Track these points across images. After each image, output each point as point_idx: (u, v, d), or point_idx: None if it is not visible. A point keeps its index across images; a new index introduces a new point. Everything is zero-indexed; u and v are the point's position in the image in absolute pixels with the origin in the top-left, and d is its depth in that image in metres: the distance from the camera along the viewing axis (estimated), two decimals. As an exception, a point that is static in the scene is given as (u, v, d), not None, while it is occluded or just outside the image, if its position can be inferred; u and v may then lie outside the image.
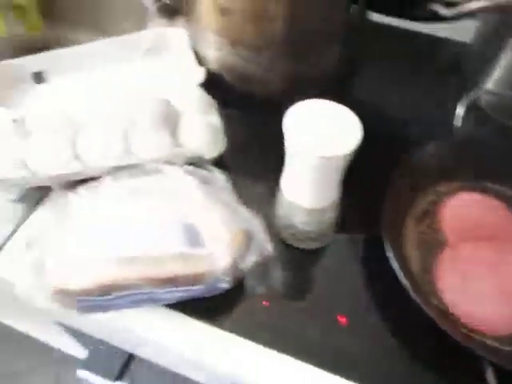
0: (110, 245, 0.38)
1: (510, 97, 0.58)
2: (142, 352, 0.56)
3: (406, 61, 0.67)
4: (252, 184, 0.50)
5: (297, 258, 0.46)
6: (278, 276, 0.43)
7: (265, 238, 0.41)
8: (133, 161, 0.47)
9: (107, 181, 0.44)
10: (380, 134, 0.47)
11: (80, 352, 0.68)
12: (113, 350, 0.54)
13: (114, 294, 0.37)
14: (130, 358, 0.55)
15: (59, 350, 1.13)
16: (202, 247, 0.40)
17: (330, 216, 0.44)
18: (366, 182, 0.48)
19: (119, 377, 0.53)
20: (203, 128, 0.50)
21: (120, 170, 0.46)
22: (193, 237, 0.40)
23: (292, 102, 0.39)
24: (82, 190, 0.43)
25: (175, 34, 0.63)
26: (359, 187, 0.46)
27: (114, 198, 0.42)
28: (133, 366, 0.58)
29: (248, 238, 0.41)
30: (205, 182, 0.44)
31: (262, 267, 0.42)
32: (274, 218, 0.47)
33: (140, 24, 0.77)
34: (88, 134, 0.47)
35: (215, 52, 0.56)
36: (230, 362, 0.41)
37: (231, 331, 0.41)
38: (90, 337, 0.54)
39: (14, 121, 0.46)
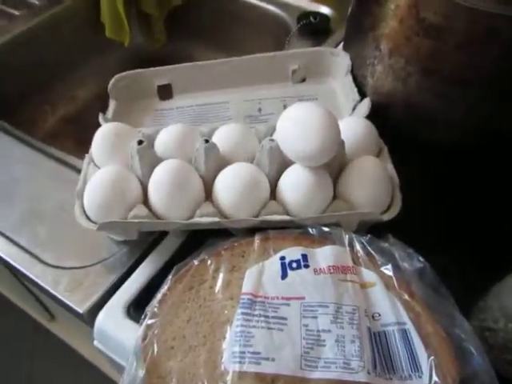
0: (258, 350, 0.25)
1: None
2: None
3: None
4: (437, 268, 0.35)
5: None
6: None
7: (491, 374, 0.26)
8: (276, 209, 0.35)
9: (256, 241, 0.31)
10: None
11: None
12: None
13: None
14: None
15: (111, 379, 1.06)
16: (396, 376, 0.25)
17: None
18: None
19: None
20: (378, 178, 0.36)
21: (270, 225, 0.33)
22: (383, 355, 0.26)
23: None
24: (222, 250, 0.31)
25: (331, 56, 0.51)
26: None
27: (267, 270, 0.29)
28: None
29: (463, 367, 0.26)
30: (392, 263, 0.30)
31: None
32: (480, 327, 0.31)
33: (277, 44, 0.67)
34: (231, 170, 0.36)
35: (393, 82, 0.43)
36: None
37: None
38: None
39: (140, 143, 0.36)
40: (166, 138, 0.39)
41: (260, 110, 0.51)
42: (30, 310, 1.18)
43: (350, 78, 0.49)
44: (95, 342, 0.36)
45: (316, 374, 0.24)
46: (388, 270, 0.29)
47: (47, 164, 0.48)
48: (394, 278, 0.28)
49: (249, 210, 0.35)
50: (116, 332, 0.34)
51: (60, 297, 0.36)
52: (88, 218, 0.36)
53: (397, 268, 0.29)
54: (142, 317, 0.29)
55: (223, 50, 0.74)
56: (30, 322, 1.18)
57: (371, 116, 0.44)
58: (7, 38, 0.65)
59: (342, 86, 0.51)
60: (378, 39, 0.44)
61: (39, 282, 0.37)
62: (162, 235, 0.39)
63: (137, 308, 0.35)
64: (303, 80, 0.53)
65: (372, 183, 0.36)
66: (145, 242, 0.39)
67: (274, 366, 0.24)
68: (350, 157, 0.38)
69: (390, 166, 0.39)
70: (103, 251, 0.39)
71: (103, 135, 0.39)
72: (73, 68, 0.75)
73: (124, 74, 0.51)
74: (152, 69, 0.52)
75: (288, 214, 0.35)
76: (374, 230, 0.37)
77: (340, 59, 0.51)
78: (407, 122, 0.44)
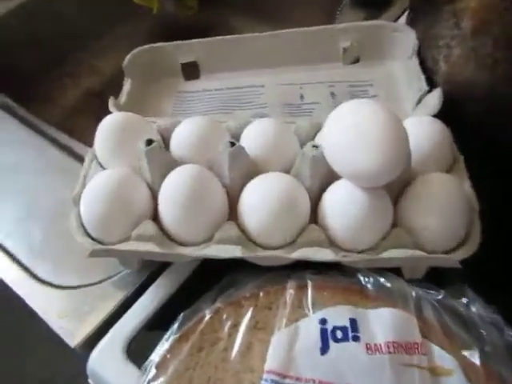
0: None
1: None
2: None
3: None
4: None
5: None
6: None
7: None
8: (318, 236, 0.27)
9: (289, 291, 0.23)
10: None
11: None
12: None
13: None
14: None
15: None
16: None
17: None
18: None
19: None
20: (450, 203, 0.27)
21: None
22: None
23: None
24: (243, 300, 0.23)
25: (393, 31, 0.42)
26: None
27: (301, 337, 0.21)
28: None
29: None
30: (475, 337, 0.22)
31: None
32: None
33: (326, 16, 0.57)
34: (261, 181, 0.28)
35: (475, 70, 0.33)
36: None
37: None
38: None
39: (148, 143, 0.29)
40: (184, 134, 0.32)
41: (302, 96, 0.42)
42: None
43: (415, 61, 0.39)
44: (89, 380, 0.30)
45: None
46: (471, 355, 0.21)
47: (53, 153, 0.42)
48: (479, 368, 0.20)
49: (283, 234, 0.27)
50: (113, 376, 0.28)
51: (51, 324, 0.30)
52: (86, 230, 0.29)
53: (482, 348, 0.21)
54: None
55: (263, 22, 0.64)
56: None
57: (442, 113, 0.34)
58: (20, 1, 0.58)
59: (404, 70, 0.41)
60: (457, 14, 0.34)
61: (29, 302, 0.31)
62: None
63: (141, 345, 0.29)
64: (356, 61, 0.44)
65: (445, 210, 0.27)
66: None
67: None
68: (416, 171, 0.29)
69: (468, 184, 0.30)
70: (107, 267, 0.33)
71: (108, 128, 0.32)
72: (96, 37, 0.68)
73: (143, 48, 0.44)
74: (176, 43, 0.44)
75: (332, 243, 0.27)
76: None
77: (404, 37, 0.41)
78: (490, 122, 0.35)
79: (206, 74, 0.45)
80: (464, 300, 0.23)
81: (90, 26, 0.67)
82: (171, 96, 0.44)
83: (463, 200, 0.28)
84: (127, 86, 0.42)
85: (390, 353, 0.20)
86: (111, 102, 0.38)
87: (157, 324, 0.29)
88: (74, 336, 0.29)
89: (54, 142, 0.43)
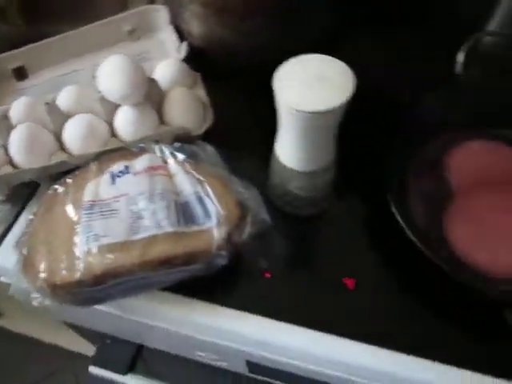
0: (97, 232, 0.37)
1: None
2: (147, 341, 0.56)
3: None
4: (244, 157, 0.47)
5: (296, 226, 0.44)
6: (277, 246, 0.41)
7: (261, 208, 0.39)
8: (117, 144, 0.46)
9: (92, 166, 0.42)
10: (374, 91, 0.45)
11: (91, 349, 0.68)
12: (119, 342, 0.53)
13: (108, 283, 0.36)
14: (140, 348, 0.54)
15: (75, 352, 1.17)
16: (195, 224, 0.38)
17: (326, 179, 0.41)
18: (363, 142, 0.45)
19: (131, 369, 0.52)
20: (189, 103, 0.48)
21: (105, 154, 0.44)
22: (185, 214, 0.38)
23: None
24: (67, 179, 0.42)
25: (155, 12, 0.61)
26: (356, 148, 0.44)
27: (101, 183, 0.40)
28: (145, 356, 0.57)
29: (243, 209, 0.39)
30: (194, 157, 0.42)
31: (261, 239, 0.39)
32: (269, 187, 0.45)
33: (122, 7, 0.74)
34: (73, 122, 0.46)
35: (199, 25, 0.54)
36: (238, 338, 0.40)
37: (235, 307, 0.40)
38: (95, 332, 0.54)
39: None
40: (16, 111, 0.48)
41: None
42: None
43: (170, 28, 0.59)
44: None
45: (139, 236, 0.36)
46: (187, 162, 0.41)
47: None
48: (189, 165, 0.41)
49: (93, 147, 0.46)
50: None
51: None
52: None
53: (195, 159, 0.42)
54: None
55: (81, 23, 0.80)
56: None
57: (191, 56, 0.54)
58: None
59: (168, 36, 0.61)
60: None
61: None
62: (36, 188, 0.49)
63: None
64: (138, 38, 0.62)
65: (183, 107, 0.48)
66: (22, 197, 0.49)
67: (110, 239, 0.36)
68: (168, 90, 0.49)
69: (202, 92, 0.51)
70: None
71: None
72: None
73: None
74: (3, 54, 0.59)
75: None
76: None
77: (162, 13, 0.60)
78: (217, 56, 0.56)
79: (34, 72, 0.60)
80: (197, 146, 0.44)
81: None
82: (9, 94, 0.59)
83: (196, 100, 0.49)
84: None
85: (146, 172, 0.40)
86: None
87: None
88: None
89: None
